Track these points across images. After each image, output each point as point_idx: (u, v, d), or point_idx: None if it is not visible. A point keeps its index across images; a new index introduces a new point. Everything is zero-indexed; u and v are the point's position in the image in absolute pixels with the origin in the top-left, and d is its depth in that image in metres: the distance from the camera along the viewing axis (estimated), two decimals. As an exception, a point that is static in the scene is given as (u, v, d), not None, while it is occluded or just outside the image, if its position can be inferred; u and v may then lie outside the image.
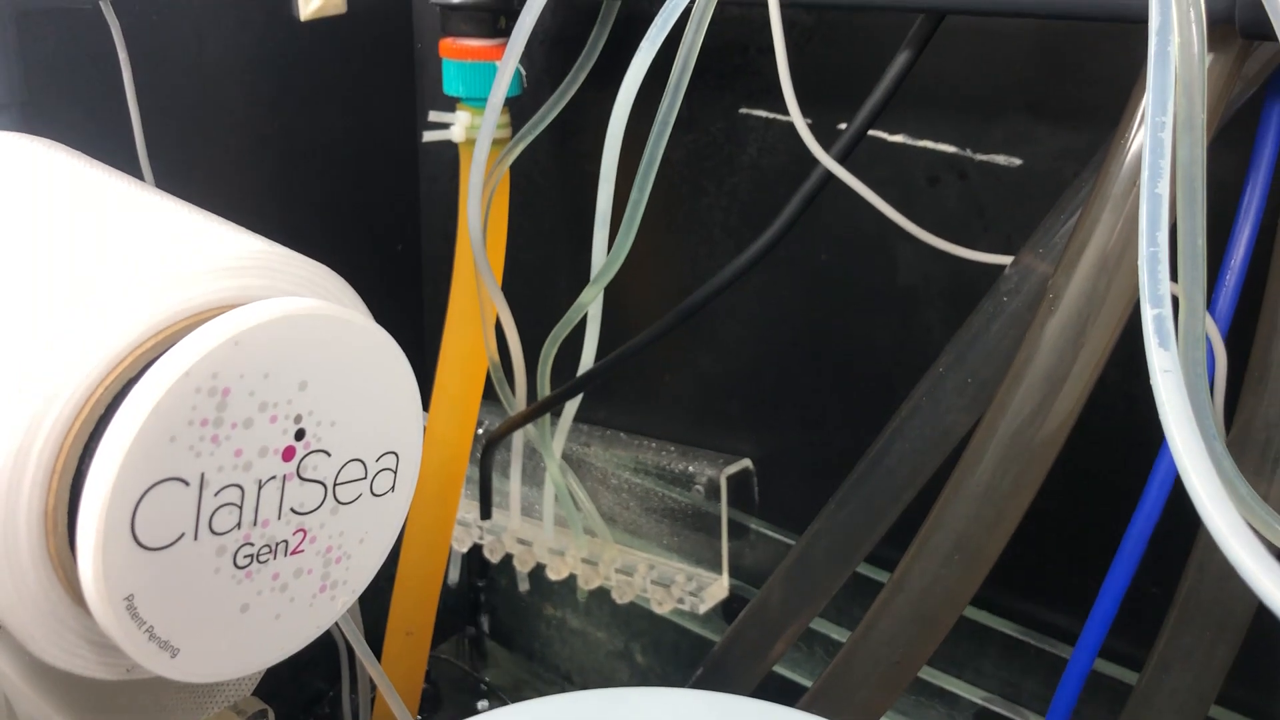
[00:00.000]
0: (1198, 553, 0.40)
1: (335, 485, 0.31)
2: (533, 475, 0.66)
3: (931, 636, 0.41)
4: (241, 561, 0.30)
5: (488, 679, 0.77)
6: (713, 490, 0.61)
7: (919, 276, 0.54)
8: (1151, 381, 0.24)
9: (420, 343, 0.70)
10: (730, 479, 0.61)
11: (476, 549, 0.69)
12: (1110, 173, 0.36)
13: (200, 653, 0.30)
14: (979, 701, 0.56)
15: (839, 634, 0.60)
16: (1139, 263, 0.26)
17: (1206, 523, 0.21)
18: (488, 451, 0.65)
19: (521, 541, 0.66)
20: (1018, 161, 0.50)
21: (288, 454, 0.30)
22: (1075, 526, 0.51)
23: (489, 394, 0.62)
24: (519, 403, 0.61)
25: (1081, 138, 0.48)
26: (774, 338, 0.60)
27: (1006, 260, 0.44)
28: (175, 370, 0.27)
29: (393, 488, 0.33)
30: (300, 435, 0.30)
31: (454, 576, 0.72)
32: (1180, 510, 0.41)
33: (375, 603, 0.59)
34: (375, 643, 0.63)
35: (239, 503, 0.29)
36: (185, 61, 0.53)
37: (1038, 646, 0.54)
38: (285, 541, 0.31)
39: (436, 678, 0.74)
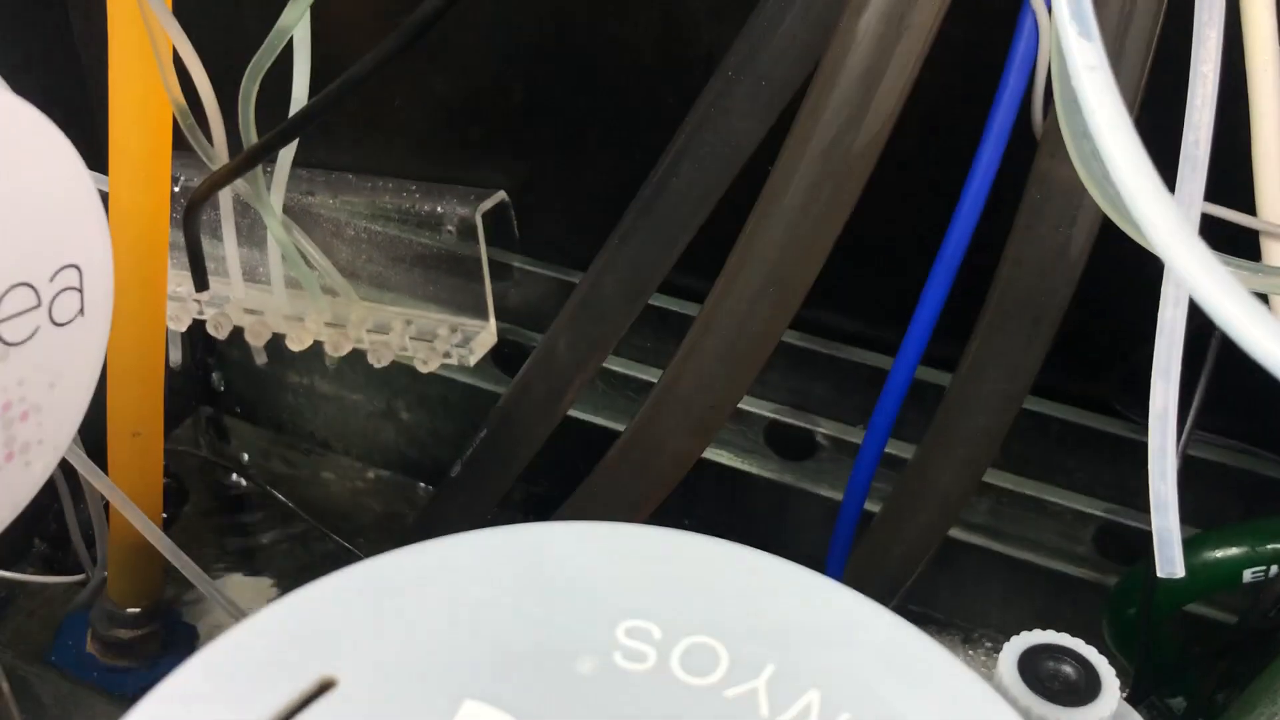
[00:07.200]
0: (1012, 247, 0.38)
1: (-4, 324, 0.23)
2: (250, 235, 0.57)
3: (745, 376, 0.38)
4: (-122, 451, 0.22)
5: (235, 457, 0.70)
6: (467, 230, 0.54)
7: (680, -41, 0.46)
8: (1073, 82, 0.19)
9: (82, 88, 0.57)
10: (486, 215, 0.54)
11: (198, 325, 0.59)
12: None
13: None
14: (768, 414, 0.55)
15: (619, 364, 0.56)
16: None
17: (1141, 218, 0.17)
18: (191, 213, 0.55)
19: (251, 311, 0.58)
20: None
21: (-87, 295, 0.21)
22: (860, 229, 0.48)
23: (180, 144, 0.51)
24: (220, 154, 0.51)
25: None
26: (516, 48, 0.52)
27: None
28: None
29: (81, 310, 0.25)
30: (-74, 267, 0.21)
31: (175, 358, 0.63)
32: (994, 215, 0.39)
33: (91, 403, 0.50)
34: (99, 448, 0.54)
35: None
36: None
37: (825, 353, 0.53)
38: (-61, 411, 0.23)
39: (176, 469, 0.66)
